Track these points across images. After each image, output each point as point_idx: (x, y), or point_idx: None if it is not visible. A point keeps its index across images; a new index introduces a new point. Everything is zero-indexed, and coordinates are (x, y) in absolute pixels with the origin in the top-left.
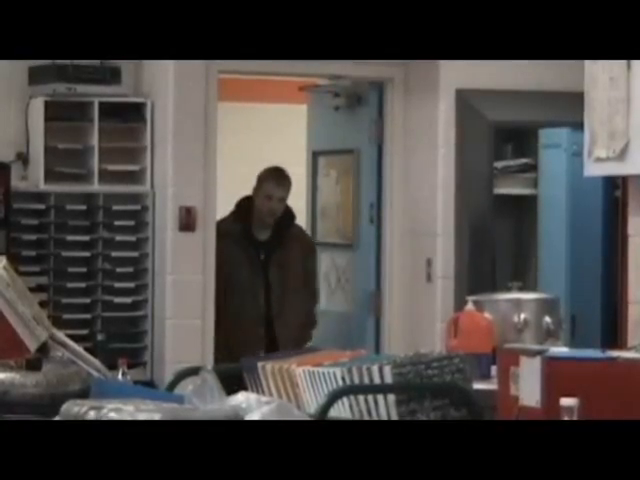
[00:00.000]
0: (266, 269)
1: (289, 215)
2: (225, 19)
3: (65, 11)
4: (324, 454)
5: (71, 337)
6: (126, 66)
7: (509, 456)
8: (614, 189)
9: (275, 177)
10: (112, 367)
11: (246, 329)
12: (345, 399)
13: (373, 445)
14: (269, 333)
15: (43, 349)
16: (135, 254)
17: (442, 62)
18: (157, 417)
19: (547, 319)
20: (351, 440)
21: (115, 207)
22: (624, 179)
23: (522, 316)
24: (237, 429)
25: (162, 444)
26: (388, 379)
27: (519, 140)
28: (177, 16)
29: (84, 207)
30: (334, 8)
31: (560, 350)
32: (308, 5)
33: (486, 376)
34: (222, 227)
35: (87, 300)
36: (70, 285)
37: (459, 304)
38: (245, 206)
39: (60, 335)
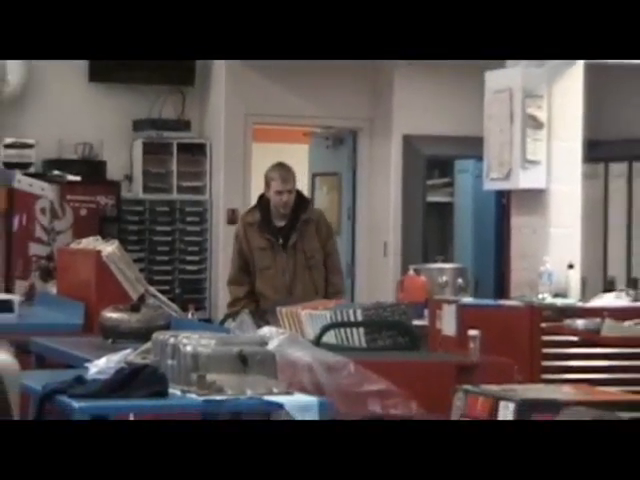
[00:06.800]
0: (284, 251)
1: (302, 203)
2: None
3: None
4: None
5: (159, 291)
6: (194, 119)
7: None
8: (502, 198)
9: (279, 174)
10: (185, 310)
11: (269, 299)
12: (332, 331)
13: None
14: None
15: (141, 298)
16: (199, 239)
17: (395, 115)
18: (213, 342)
19: (460, 280)
20: (345, 439)
21: (187, 209)
22: (508, 192)
23: (444, 278)
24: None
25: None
26: (359, 318)
27: (443, 166)
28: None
29: (167, 209)
30: (336, 15)
31: (468, 300)
32: (317, 16)
33: (421, 316)
34: (247, 218)
35: (169, 268)
36: (159, 258)
37: (404, 271)
38: (264, 200)
39: (152, 289)
